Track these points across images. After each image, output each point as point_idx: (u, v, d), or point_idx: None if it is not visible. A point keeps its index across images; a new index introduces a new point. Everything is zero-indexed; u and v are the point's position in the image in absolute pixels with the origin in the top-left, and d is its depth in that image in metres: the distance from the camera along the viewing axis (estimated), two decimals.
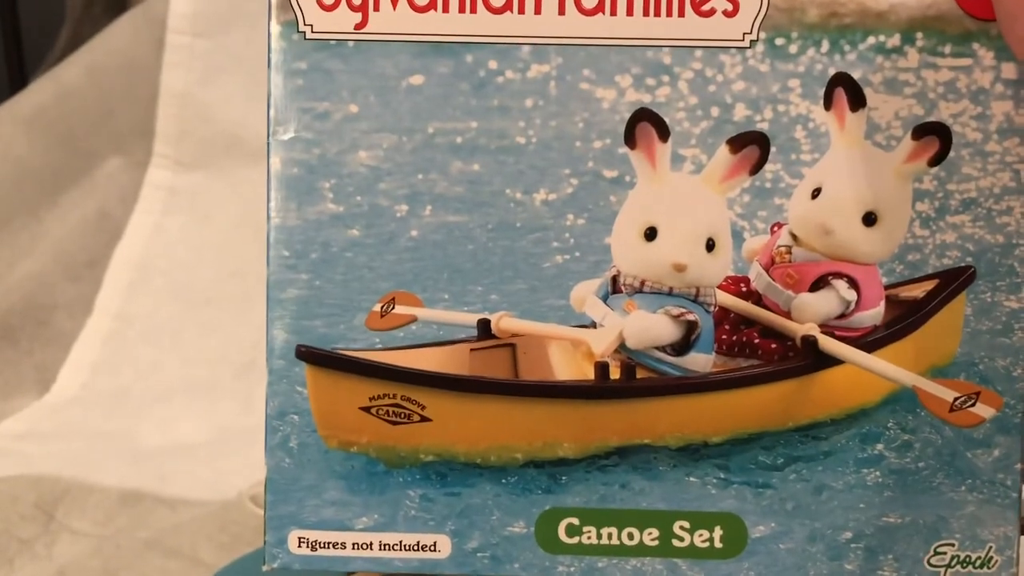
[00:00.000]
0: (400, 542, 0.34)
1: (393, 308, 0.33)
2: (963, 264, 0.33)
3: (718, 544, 0.34)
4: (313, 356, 0.33)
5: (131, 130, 0.86)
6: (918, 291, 0.34)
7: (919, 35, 0.33)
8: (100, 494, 0.61)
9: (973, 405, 0.33)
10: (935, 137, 0.33)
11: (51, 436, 0.69)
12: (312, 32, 0.33)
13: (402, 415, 0.33)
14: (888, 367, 0.33)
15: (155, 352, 0.77)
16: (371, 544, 0.34)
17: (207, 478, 0.63)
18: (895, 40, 0.33)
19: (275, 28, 0.33)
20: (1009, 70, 0.33)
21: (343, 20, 0.33)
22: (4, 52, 1.03)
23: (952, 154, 0.33)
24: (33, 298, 0.81)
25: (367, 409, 0.33)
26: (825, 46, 0.33)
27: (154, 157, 0.86)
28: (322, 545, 0.33)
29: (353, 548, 0.34)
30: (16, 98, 0.90)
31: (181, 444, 0.68)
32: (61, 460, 0.65)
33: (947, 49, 0.33)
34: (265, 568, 0.34)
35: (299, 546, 0.34)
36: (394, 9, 0.33)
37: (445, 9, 0.33)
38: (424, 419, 0.33)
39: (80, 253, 0.83)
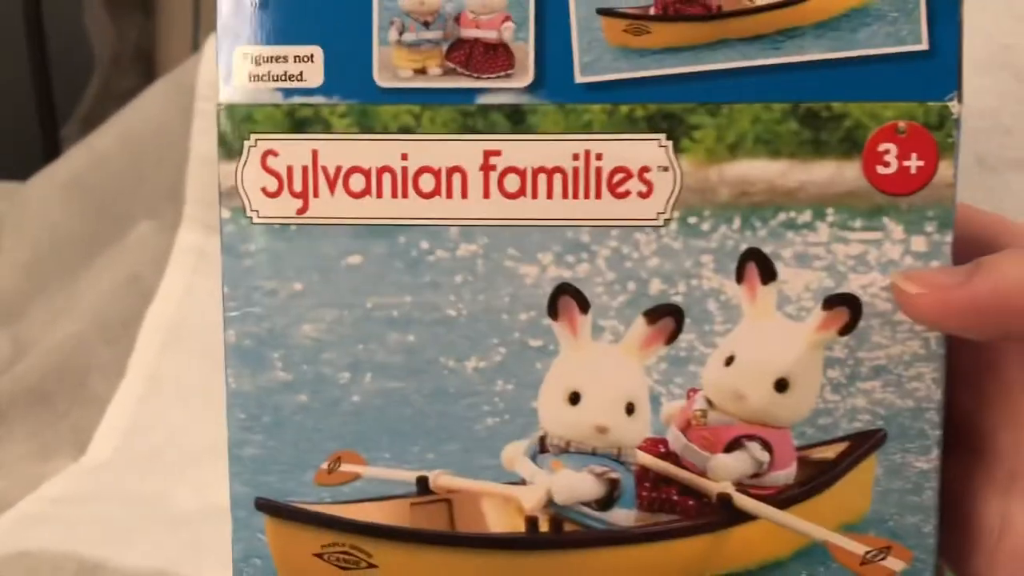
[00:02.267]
0: None
1: (339, 466, 0.37)
2: (874, 427, 0.35)
3: None
4: (270, 507, 0.36)
5: (162, 194, 0.89)
6: (830, 452, 0.36)
7: (829, 211, 0.34)
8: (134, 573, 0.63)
9: (884, 559, 0.35)
10: (845, 308, 0.35)
11: (87, 500, 0.72)
12: (258, 217, 0.36)
13: (352, 562, 0.37)
14: (799, 522, 0.35)
15: (187, 414, 0.79)
16: None
17: None
18: (806, 216, 0.35)
19: (225, 213, 0.36)
20: (919, 243, 0.34)
21: (286, 206, 0.36)
22: (37, 105, 1.06)
23: (862, 323, 0.35)
24: (69, 360, 0.83)
25: (320, 555, 0.37)
26: (736, 223, 0.35)
27: (184, 220, 0.89)
28: None
29: None
30: (52, 165, 0.92)
31: (215, 507, 0.71)
32: (97, 527, 0.67)
33: (857, 223, 0.34)
34: None
35: None
36: (332, 195, 0.35)
37: (379, 195, 0.35)
38: (371, 566, 0.36)
39: (114, 315, 0.86)
